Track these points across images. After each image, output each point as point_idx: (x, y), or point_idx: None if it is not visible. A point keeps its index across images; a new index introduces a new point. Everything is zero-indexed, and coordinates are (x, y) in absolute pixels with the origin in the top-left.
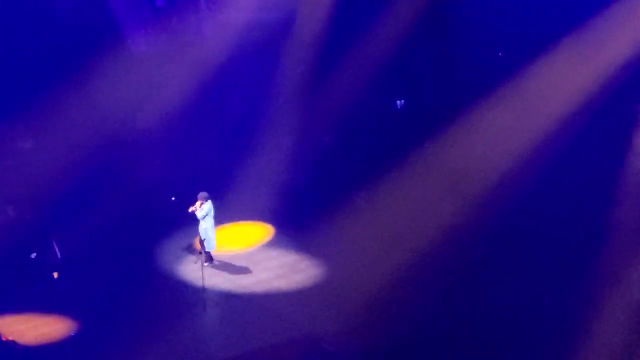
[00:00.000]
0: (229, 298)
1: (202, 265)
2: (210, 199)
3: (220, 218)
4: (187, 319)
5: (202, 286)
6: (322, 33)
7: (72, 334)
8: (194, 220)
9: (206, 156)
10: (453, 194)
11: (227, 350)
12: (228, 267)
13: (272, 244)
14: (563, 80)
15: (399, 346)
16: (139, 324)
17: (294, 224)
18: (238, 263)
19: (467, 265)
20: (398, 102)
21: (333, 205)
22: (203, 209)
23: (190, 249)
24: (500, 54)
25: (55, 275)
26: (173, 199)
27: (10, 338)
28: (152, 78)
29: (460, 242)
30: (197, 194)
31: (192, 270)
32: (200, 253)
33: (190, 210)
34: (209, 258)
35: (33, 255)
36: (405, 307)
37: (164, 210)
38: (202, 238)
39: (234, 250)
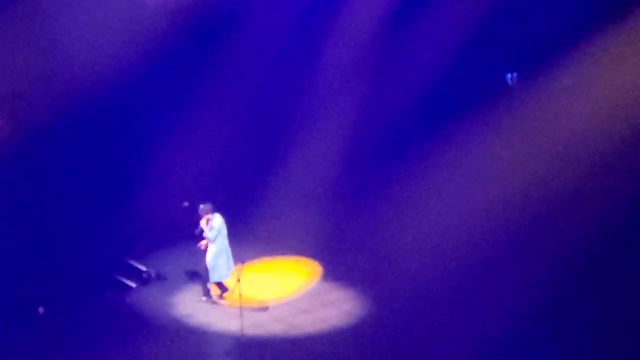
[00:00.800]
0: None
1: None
2: (218, 212)
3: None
4: None
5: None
6: None
7: None
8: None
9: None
10: None
11: None
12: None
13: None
14: None
15: None
16: None
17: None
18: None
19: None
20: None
21: None
22: (213, 227)
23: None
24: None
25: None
26: (186, 203)
27: None
28: None
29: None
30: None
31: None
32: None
33: (197, 232)
34: (207, 292)
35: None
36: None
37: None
38: (209, 265)
39: (273, 300)
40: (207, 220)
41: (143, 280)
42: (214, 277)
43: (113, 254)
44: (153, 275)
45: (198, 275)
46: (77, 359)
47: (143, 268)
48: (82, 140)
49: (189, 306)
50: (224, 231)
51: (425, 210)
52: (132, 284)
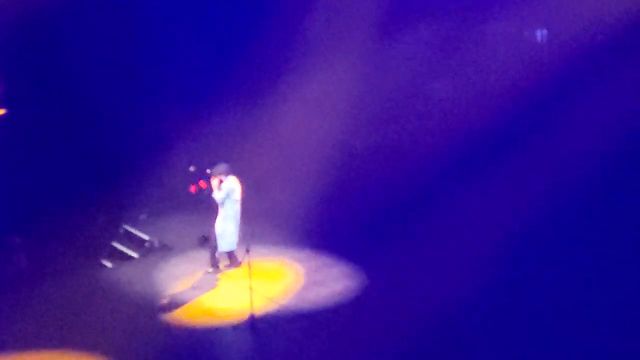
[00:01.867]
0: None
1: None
2: (234, 175)
3: None
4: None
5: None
6: None
7: None
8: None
9: None
10: None
11: None
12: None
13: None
14: None
15: None
16: None
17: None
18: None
19: None
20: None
21: None
22: (222, 189)
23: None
24: None
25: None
26: (192, 168)
27: None
28: None
29: None
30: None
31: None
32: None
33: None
34: (215, 262)
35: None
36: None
37: None
38: (218, 232)
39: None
40: (220, 181)
41: (145, 249)
42: (222, 245)
43: (114, 222)
44: (156, 244)
45: (207, 244)
46: (74, 331)
47: (145, 237)
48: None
49: (195, 278)
50: (236, 196)
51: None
52: (134, 254)
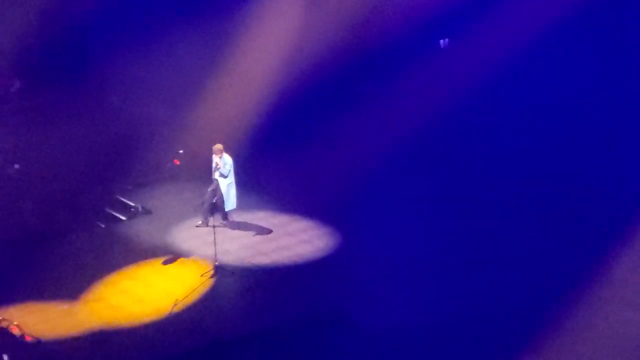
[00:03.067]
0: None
1: (214, 229)
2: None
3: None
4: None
5: (214, 255)
6: None
7: None
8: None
9: None
10: None
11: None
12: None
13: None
14: None
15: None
16: None
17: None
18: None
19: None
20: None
21: None
22: (226, 162)
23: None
24: None
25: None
26: (180, 151)
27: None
28: None
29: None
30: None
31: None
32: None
33: (215, 167)
34: (226, 216)
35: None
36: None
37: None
38: (225, 196)
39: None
40: (220, 157)
41: (131, 214)
42: (228, 205)
43: (107, 193)
44: (140, 209)
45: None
46: (77, 279)
47: (131, 203)
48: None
49: (173, 234)
50: (233, 167)
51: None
52: (122, 217)
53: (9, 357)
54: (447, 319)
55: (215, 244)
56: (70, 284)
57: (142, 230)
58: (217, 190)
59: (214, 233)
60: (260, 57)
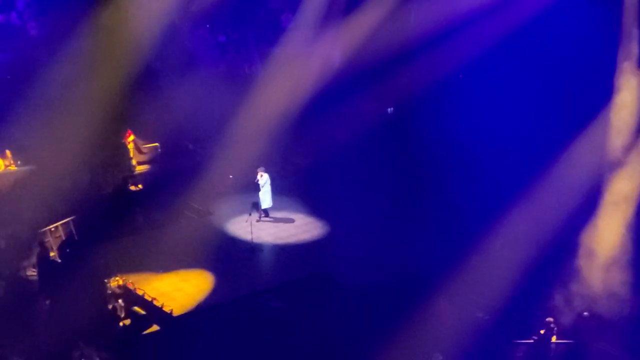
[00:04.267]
0: (270, 246)
1: (251, 223)
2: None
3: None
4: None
5: (251, 238)
6: None
7: None
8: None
9: None
10: None
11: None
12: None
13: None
14: None
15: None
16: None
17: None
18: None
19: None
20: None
21: None
22: (263, 177)
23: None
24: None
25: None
26: (230, 176)
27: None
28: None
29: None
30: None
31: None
32: (250, 214)
33: (256, 181)
34: (266, 213)
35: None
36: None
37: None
38: (262, 200)
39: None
40: (260, 174)
41: (200, 213)
42: (265, 205)
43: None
44: (206, 210)
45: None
46: (177, 257)
47: (199, 207)
48: None
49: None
50: (269, 181)
51: None
52: (195, 216)
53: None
54: (395, 279)
55: (251, 232)
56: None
57: (207, 225)
58: (259, 197)
59: (251, 225)
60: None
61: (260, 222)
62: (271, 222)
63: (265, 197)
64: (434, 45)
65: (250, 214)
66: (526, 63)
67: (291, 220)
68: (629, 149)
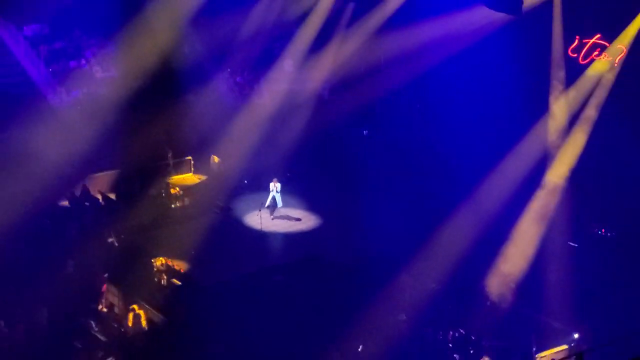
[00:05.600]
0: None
1: (260, 216)
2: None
3: None
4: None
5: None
6: None
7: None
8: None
9: None
10: None
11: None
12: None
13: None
14: None
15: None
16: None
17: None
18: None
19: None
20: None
21: None
22: (277, 186)
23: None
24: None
25: None
26: (245, 181)
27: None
28: None
29: None
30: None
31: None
32: (260, 210)
33: (271, 187)
34: (274, 212)
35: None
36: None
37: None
38: (275, 201)
39: None
40: (275, 182)
41: (223, 209)
42: (280, 204)
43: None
44: (228, 207)
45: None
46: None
47: (222, 204)
48: None
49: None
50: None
51: None
52: (218, 211)
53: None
54: (370, 258)
55: (261, 223)
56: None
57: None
58: (271, 199)
59: (261, 217)
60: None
61: (269, 215)
62: (278, 216)
63: (278, 200)
64: (401, 65)
65: (260, 210)
66: (480, 82)
67: (293, 215)
68: (558, 147)
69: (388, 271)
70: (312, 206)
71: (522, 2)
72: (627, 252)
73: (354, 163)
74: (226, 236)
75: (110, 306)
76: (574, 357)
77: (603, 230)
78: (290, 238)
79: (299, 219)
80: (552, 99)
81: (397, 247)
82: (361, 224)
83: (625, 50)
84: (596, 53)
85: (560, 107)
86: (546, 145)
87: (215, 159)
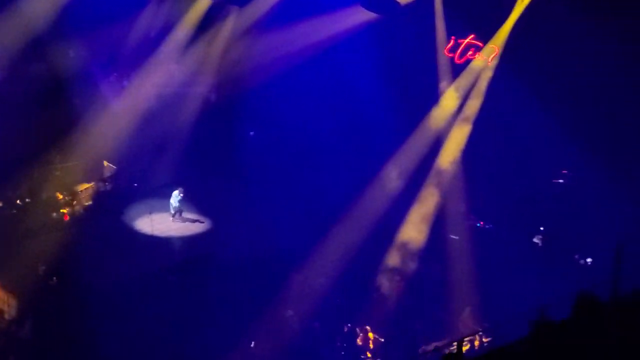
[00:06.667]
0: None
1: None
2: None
3: None
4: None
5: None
6: None
7: None
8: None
9: None
10: None
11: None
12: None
13: None
14: None
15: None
16: None
17: None
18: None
19: None
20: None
21: None
22: (179, 196)
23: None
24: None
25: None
26: (135, 185)
27: None
28: None
29: None
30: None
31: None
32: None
33: (174, 195)
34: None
35: None
36: None
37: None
38: (179, 208)
39: None
40: (179, 193)
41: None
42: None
43: None
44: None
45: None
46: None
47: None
48: None
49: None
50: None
51: None
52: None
53: None
54: (261, 257)
55: (152, 227)
56: None
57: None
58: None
59: (152, 221)
60: None
61: (170, 221)
62: (178, 221)
63: (179, 208)
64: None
65: (150, 214)
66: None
67: (186, 217)
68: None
69: (280, 268)
70: (205, 209)
71: (397, 3)
72: (506, 243)
73: (243, 164)
74: (118, 241)
75: None
76: (455, 344)
77: (482, 222)
78: (184, 241)
79: (193, 221)
80: (440, 91)
81: (290, 244)
82: (254, 223)
83: (497, 50)
84: (470, 53)
85: (447, 98)
86: (434, 136)
87: (105, 163)
